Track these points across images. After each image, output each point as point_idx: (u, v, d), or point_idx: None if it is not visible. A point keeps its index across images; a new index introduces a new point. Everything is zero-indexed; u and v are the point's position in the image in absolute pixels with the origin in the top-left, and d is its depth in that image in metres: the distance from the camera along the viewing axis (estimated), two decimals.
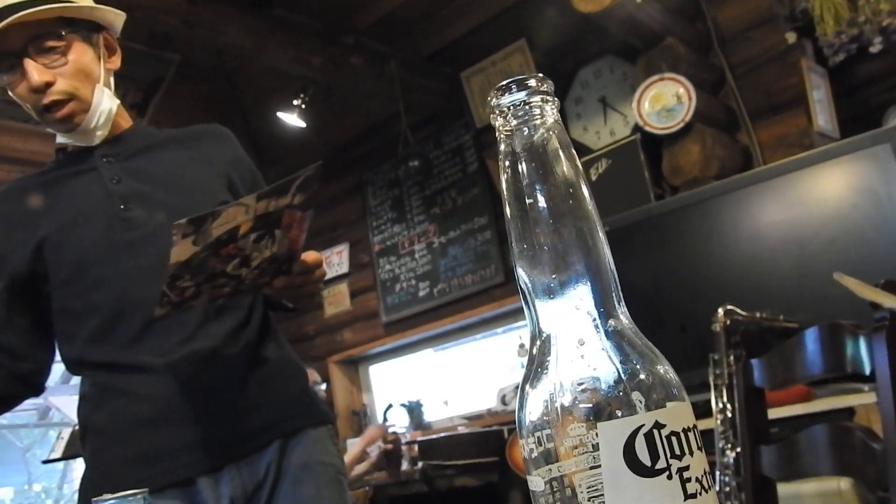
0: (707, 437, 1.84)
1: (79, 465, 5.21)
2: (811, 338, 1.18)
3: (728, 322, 1.98)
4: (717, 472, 1.84)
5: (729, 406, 1.88)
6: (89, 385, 1.36)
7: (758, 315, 2.15)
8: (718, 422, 1.88)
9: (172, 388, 1.31)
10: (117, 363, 1.32)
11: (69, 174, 1.41)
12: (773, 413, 1.72)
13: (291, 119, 4.18)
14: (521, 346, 4.37)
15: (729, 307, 2.01)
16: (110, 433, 1.32)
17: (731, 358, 1.93)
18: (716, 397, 1.92)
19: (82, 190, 1.39)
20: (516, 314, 4.38)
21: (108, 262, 1.34)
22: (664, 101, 3.19)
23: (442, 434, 4.04)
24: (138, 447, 1.29)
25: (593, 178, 3.50)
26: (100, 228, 1.36)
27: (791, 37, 3.23)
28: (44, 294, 1.38)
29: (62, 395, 5.36)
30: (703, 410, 1.99)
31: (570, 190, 0.40)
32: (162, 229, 1.35)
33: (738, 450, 1.77)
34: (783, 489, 1.34)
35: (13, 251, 1.36)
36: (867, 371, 1.06)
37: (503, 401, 4.27)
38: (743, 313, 2.04)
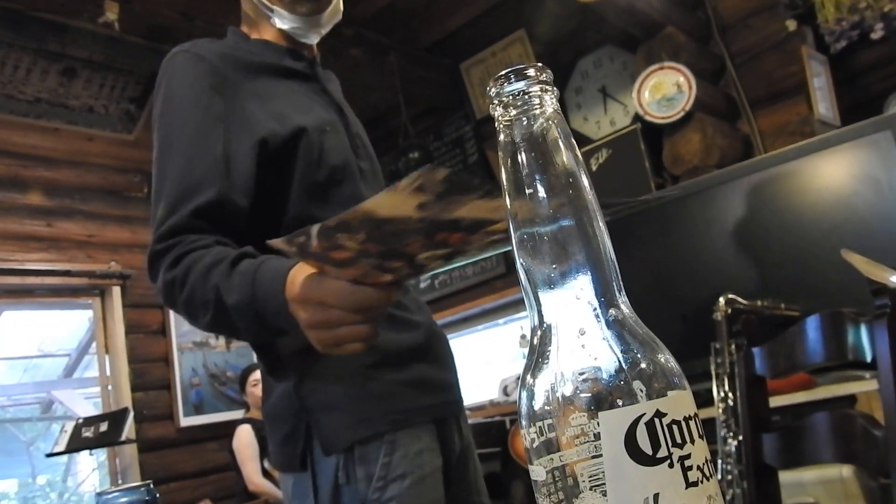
0: (708, 425, 1.84)
1: (83, 459, 5.24)
2: (812, 326, 1.18)
3: (729, 311, 1.98)
4: (719, 461, 1.85)
5: (730, 395, 1.88)
6: None
7: (759, 304, 2.15)
8: (720, 410, 1.88)
9: (423, 323, 1.25)
10: None
11: (292, 71, 1.28)
12: (775, 401, 1.73)
13: None
14: (523, 336, 4.38)
15: (730, 296, 2.01)
16: (384, 355, 1.17)
17: (733, 347, 1.93)
18: (717, 386, 1.92)
19: (318, 98, 1.29)
20: (517, 305, 4.38)
21: (352, 182, 1.23)
22: (664, 91, 3.18)
23: None
24: (412, 374, 1.20)
25: (594, 168, 3.50)
26: (345, 146, 1.26)
27: (791, 24, 3.22)
28: (273, 194, 1.17)
29: (65, 389, 5.38)
30: (704, 399, 2.00)
31: (570, 180, 0.40)
32: (377, 171, 1.33)
33: (740, 438, 1.77)
34: (785, 477, 1.34)
35: (264, 120, 1.16)
36: (868, 358, 1.06)
37: (505, 391, 4.28)
38: (744, 302, 2.04)
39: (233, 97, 1.16)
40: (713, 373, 1.95)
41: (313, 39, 1.31)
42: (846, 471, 2.06)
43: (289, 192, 1.17)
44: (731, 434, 1.86)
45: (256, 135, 1.13)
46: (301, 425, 1.14)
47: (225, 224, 1.09)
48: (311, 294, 0.88)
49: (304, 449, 1.14)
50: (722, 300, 2.00)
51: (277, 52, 1.28)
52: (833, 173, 2.50)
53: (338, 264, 0.84)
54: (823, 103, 3.17)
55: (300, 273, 0.90)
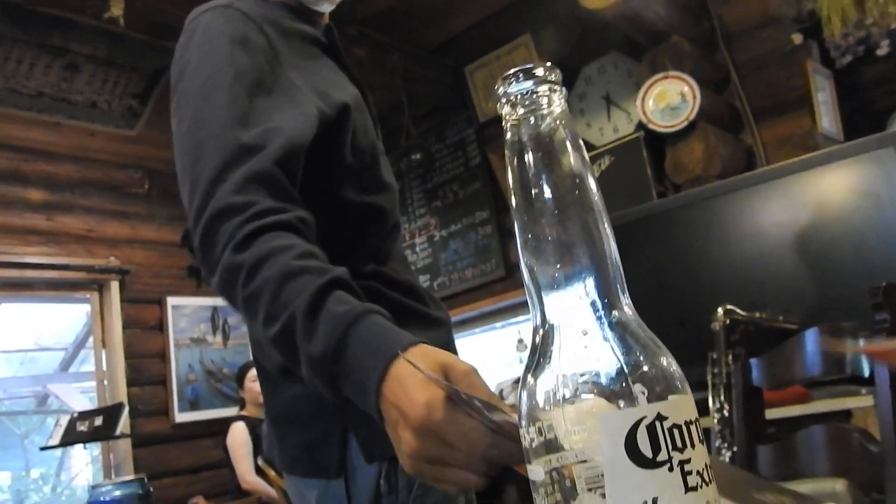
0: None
1: (77, 453, 5.23)
2: (811, 339, 1.18)
3: (727, 321, 1.98)
4: None
5: (726, 405, 1.88)
6: (385, 301, 0.99)
7: (757, 315, 2.15)
8: (715, 421, 1.88)
9: (446, 321, 1.17)
10: (411, 284, 1.12)
11: (318, 41, 1.14)
12: (770, 413, 1.73)
13: None
14: (520, 340, 4.38)
15: (729, 307, 2.01)
16: None
17: (730, 357, 1.93)
18: (713, 396, 1.92)
19: (343, 73, 1.16)
20: (516, 309, 4.38)
21: (377, 166, 1.11)
22: (668, 99, 3.18)
23: None
24: None
25: (595, 175, 3.51)
26: (370, 125, 1.13)
27: (797, 38, 3.22)
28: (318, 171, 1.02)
29: (61, 383, 5.37)
30: (699, 409, 1.99)
31: (577, 180, 0.40)
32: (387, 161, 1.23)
33: (735, 449, 1.77)
34: None
35: (312, 96, 1.01)
36: (866, 373, 1.06)
37: (501, 395, 4.27)
38: (743, 313, 2.04)
39: (278, 66, 1.01)
40: (709, 383, 1.95)
41: (326, 8, 1.18)
42: (839, 485, 2.05)
43: (325, 176, 1.03)
44: (726, 445, 1.85)
45: (310, 109, 0.98)
46: (335, 429, 1.02)
47: (294, 183, 0.91)
48: (437, 427, 0.66)
49: (340, 454, 1.02)
50: (720, 311, 2.00)
51: (300, 17, 1.14)
52: (834, 188, 2.50)
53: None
54: (827, 117, 3.18)
55: (417, 386, 0.68)
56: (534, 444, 0.38)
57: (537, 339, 0.41)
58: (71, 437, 3.79)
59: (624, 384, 0.37)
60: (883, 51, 2.98)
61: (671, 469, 0.35)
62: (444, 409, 0.66)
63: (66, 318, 5.52)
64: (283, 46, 1.04)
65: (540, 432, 0.38)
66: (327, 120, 1.01)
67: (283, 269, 0.79)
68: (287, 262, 0.80)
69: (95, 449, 4.66)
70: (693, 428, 0.37)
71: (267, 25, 1.04)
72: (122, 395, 4.44)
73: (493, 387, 4.36)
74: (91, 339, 4.79)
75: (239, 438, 4.10)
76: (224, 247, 0.83)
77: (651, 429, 0.36)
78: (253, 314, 0.82)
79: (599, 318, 0.39)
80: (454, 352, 1.19)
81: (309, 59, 1.10)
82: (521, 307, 4.30)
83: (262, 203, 0.84)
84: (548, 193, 0.40)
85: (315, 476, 1.07)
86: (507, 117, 0.41)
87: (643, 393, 0.37)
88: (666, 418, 0.36)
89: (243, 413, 4.30)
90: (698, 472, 0.36)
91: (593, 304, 0.39)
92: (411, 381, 0.69)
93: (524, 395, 0.39)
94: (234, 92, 0.93)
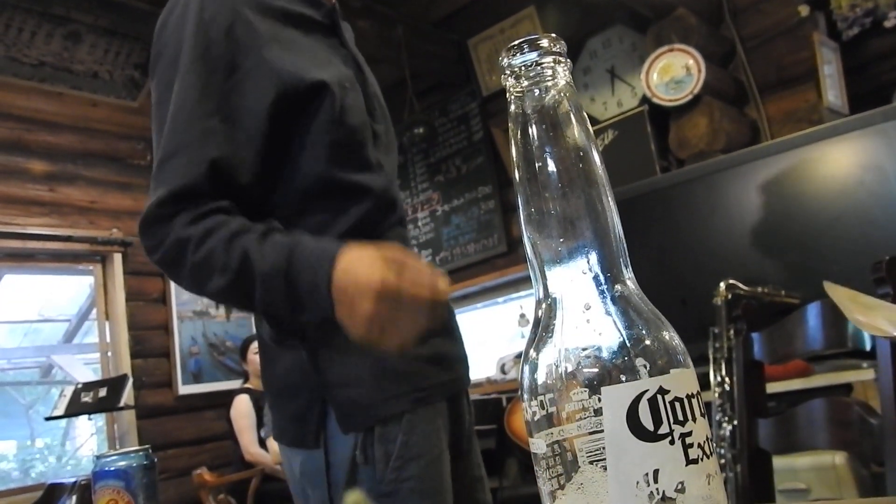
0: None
1: (81, 423, 5.28)
2: (813, 313, 1.18)
3: (729, 296, 1.98)
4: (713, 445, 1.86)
5: (727, 379, 1.88)
6: None
7: (759, 290, 2.15)
8: (716, 395, 1.89)
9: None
10: None
11: (312, 21, 1.18)
12: (770, 388, 1.73)
13: None
14: (522, 315, 4.39)
15: (731, 281, 2.01)
16: None
17: (732, 332, 1.93)
18: (714, 370, 1.93)
19: (337, 52, 1.19)
20: (518, 284, 4.39)
21: (367, 146, 1.15)
22: (673, 73, 3.16)
23: None
24: (432, 349, 1.14)
25: (599, 148, 3.49)
26: (362, 106, 1.16)
27: (804, 10, 3.19)
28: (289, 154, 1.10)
29: (65, 354, 5.41)
30: (700, 384, 2.00)
31: (581, 153, 0.40)
32: (391, 134, 1.25)
33: (735, 423, 1.78)
34: (777, 462, 1.35)
35: (282, 72, 1.06)
36: (868, 347, 1.06)
37: (502, 370, 4.30)
38: (745, 288, 2.04)
39: (249, 45, 1.06)
40: (710, 357, 1.95)
41: None
42: (839, 458, 2.07)
43: (303, 150, 1.10)
44: (727, 418, 1.86)
45: (272, 90, 1.05)
46: (317, 400, 1.09)
47: (231, 185, 1.03)
48: (394, 286, 0.91)
49: (319, 425, 1.09)
50: (722, 285, 2.00)
51: None
52: (839, 162, 2.48)
53: None
54: (833, 91, 3.15)
55: (367, 266, 0.92)
56: (536, 418, 0.38)
57: (540, 313, 0.40)
58: (75, 408, 3.82)
59: (626, 358, 0.37)
60: (891, 22, 2.95)
61: (672, 442, 0.36)
62: (395, 274, 0.91)
63: (70, 289, 5.54)
64: (262, 23, 1.09)
65: (542, 406, 0.38)
66: (298, 94, 1.07)
67: (228, 233, 0.98)
68: (231, 227, 0.98)
69: (100, 420, 4.71)
70: (694, 401, 0.37)
71: (245, 5, 1.08)
72: (125, 366, 4.47)
73: (494, 361, 4.39)
74: (94, 311, 4.81)
75: (242, 410, 4.13)
76: (171, 230, 1.00)
77: (653, 402, 0.36)
78: (206, 273, 0.99)
79: (602, 292, 0.39)
80: (453, 326, 1.24)
81: (297, 36, 1.13)
82: (523, 282, 4.30)
83: (201, 202, 1.00)
84: (551, 167, 0.39)
85: (298, 446, 1.13)
86: (511, 89, 0.41)
87: (645, 366, 0.37)
88: (668, 392, 0.36)
89: (247, 385, 4.32)
90: (699, 445, 0.36)
91: (596, 278, 0.39)
92: (360, 266, 0.92)
93: (526, 369, 0.40)
94: (186, 83, 1.03)
